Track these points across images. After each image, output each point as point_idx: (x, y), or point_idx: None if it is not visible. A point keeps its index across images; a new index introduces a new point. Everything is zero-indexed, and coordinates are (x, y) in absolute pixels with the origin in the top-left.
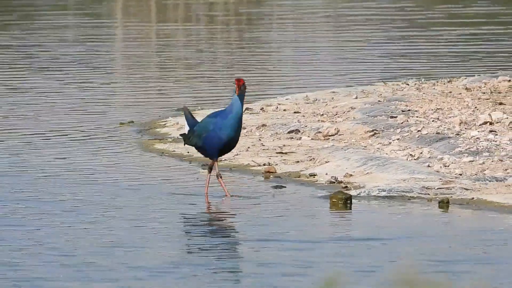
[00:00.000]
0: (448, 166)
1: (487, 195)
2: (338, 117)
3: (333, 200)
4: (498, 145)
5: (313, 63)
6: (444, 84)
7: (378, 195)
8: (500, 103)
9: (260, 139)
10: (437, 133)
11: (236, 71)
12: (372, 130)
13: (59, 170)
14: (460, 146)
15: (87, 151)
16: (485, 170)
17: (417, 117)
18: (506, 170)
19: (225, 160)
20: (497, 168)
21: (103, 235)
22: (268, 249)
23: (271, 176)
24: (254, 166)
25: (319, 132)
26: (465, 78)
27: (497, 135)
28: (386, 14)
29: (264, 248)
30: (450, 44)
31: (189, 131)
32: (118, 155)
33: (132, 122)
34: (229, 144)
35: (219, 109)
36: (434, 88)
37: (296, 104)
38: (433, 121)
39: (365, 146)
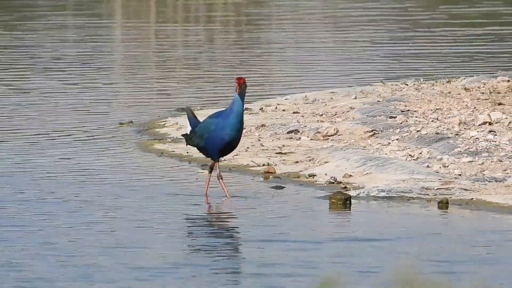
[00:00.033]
0: (447, 166)
1: (487, 195)
2: (337, 117)
3: (333, 200)
4: (497, 145)
5: (312, 64)
6: (443, 84)
7: (377, 195)
8: (499, 103)
9: (259, 139)
10: (436, 133)
11: (235, 71)
12: (371, 130)
13: (60, 170)
14: (460, 147)
15: (86, 151)
16: (484, 170)
17: (416, 117)
18: (505, 170)
19: (224, 160)
20: (497, 169)
21: (104, 236)
22: (268, 250)
23: (270, 176)
24: (253, 166)
25: (318, 132)
26: (464, 79)
27: (496, 135)
28: (385, 14)
29: (264, 249)
30: (450, 44)
31: (191, 131)
32: (118, 155)
33: (132, 122)
34: (231, 144)
35: (220, 110)
36: (433, 89)
37: (295, 104)
38: (432, 121)
39: (364, 147)
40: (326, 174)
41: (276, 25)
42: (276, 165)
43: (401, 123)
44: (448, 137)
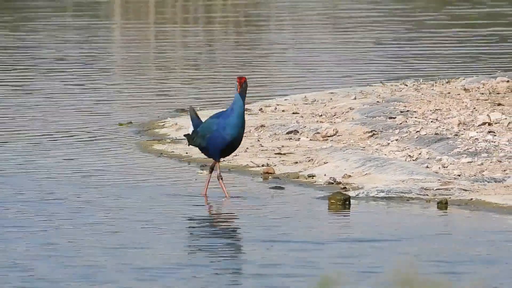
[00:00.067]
0: (446, 167)
1: (486, 196)
2: (337, 117)
3: (332, 201)
4: (496, 146)
5: (311, 64)
6: (442, 84)
7: (376, 196)
8: (499, 104)
9: (258, 140)
10: (436, 134)
11: (235, 72)
12: (371, 131)
13: (60, 171)
14: (459, 147)
15: (86, 152)
16: (483, 171)
17: (415, 117)
18: (504, 171)
19: (224, 160)
20: (496, 169)
21: (105, 236)
22: (269, 250)
23: (269, 177)
24: (252, 167)
25: (318, 132)
26: (464, 79)
27: (495, 136)
28: (385, 15)
29: (264, 249)
30: (449, 45)
31: (193, 131)
32: (117, 156)
33: (131, 123)
34: (233, 144)
35: (221, 110)
36: (432, 89)
37: (294, 104)
38: (431, 121)
39: (364, 147)
40: (325, 175)
41: (275, 25)
42: (275, 165)
43: (400, 123)
44: (448, 138)
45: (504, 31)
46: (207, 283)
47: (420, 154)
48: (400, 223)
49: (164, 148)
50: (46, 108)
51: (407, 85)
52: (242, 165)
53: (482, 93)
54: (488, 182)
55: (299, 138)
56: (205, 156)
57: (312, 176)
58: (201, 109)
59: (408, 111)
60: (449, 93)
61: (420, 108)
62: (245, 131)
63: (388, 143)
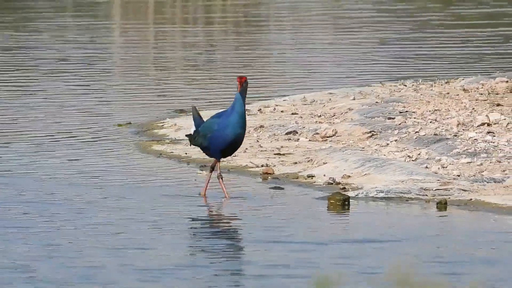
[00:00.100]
0: (446, 167)
1: (485, 196)
2: (336, 118)
3: (331, 201)
4: (496, 146)
5: (310, 65)
6: (441, 85)
7: (376, 196)
8: (498, 104)
9: (258, 140)
10: (435, 134)
11: (234, 73)
12: (370, 131)
13: (60, 172)
14: (458, 147)
15: (85, 153)
16: (483, 171)
17: (414, 118)
18: (504, 171)
19: (223, 161)
20: (495, 169)
21: (106, 237)
22: (270, 251)
23: (269, 177)
24: (252, 167)
25: (317, 133)
26: (463, 79)
27: (494, 136)
28: (384, 16)
29: (265, 250)
30: (449, 45)
31: (194, 131)
32: (117, 156)
33: (130, 123)
34: (234, 143)
35: (221, 110)
36: (431, 89)
37: (293, 105)
38: (430, 122)
39: (363, 148)
40: (324, 175)
41: (275, 26)
42: (274, 166)
43: (399, 124)
44: (447, 138)
45: (505, 31)
46: (208, 284)
47: (419, 154)
48: (400, 224)
49: (163, 149)
50: (47, 109)
51: (406, 86)
52: (242, 166)
53: (481, 94)
54: (488, 182)
55: (298, 139)
56: (205, 157)
57: (312, 176)
58: (200, 110)
59: (407, 111)
60: (448, 93)
61: (419, 109)
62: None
63: (387, 144)
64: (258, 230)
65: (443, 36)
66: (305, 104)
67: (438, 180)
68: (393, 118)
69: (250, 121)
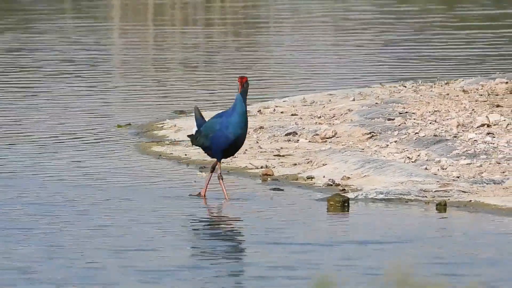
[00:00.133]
0: (445, 168)
1: (485, 197)
2: (336, 119)
3: (331, 202)
4: (495, 147)
5: (310, 66)
6: (441, 86)
7: (375, 197)
8: (498, 105)
9: (257, 142)
10: (435, 135)
11: (233, 74)
12: (370, 133)
13: (60, 173)
14: (458, 149)
15: (84, 154)
16: (482, 172)
17: (414, 119)
18: (503, 172)
19: (222, 162)
20: (495, 171)
21: (106, 238)
22: (270, 252)
23: (268, 178)
24: (251, 168)
25: (317, 134)
26: (462, 80)
27: (494, 137)
28: (384, 17)
29: (264, 251)
30: (449, 46)
31: (196, 131)
32: (116, 158)
33: (130, 124)
34: (236, 143)
35: (222, 110)
36: (431, 90)
37: (293, 106)
38: (430, 123)
39: (363, 149)
40: (324, 176)
41: (273, 27)
42: (274, 167)
43: (399, 125)
44: (447, 139)
45: (507, 33)
46: (209, 285)
47: (419, 155)
48: (399, 225)
49: (163, 150)
50: (48, 110)
51: (405, 87)
52: (241, 167)
53: (481, 95)
54: (487, 183)
55: (298, 140)
56: (204, 158)
57: (311, 177)
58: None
59: (407, 112)
60: (448, 94)
61: (418, 110)
62: None
63: (387, 145)
64: (258, 231)
65: (444, 37)
66: (305, 105)
67: (438, 181)
68: (393, 119)
69: (250, 122)
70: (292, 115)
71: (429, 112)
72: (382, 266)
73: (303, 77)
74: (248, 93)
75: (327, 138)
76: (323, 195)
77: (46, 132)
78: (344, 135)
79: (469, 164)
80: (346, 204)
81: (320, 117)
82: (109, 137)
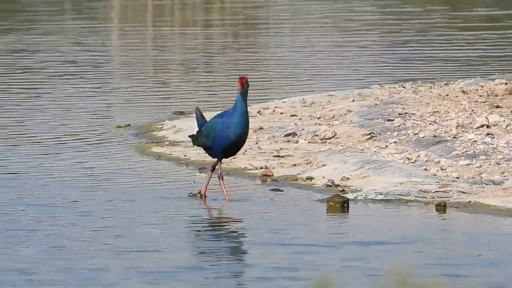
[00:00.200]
0: (445, 169)
1: (484, 198)
2: (335, 120)
3: (330, 203)
4: (495, 148)
5: (310, 66)
6: (440, 87)
7: (375, 198)
8: (497, 106)
9: (257, 142)
10: (434, 136)
11: (233, 75)
12: (369, 133)
13: (59, 174)
14: (457, 149)
15: (84, 155)
16: (482, 173)
17: (414, 120)
18: (503, 173)
19: (222, 163)
20: (494, 171)
21: (107, 239)
22: (270, 253)
23: (268, 179)
24: (251, 169)
25: (316, 135)
26: (462, 81)
27: (494, 138)
28: (383, 18)
29: (265, 252)
30: (448, 47)
31: (197, 131)
32: (116, 159)
33: (129, 125)
34: (237, 143)
35: (223, 110)
36: (430, 91)
37: (293, 107)
38: (430, 124)
39: (362, 149)
40: (324, 177)
41: (273, 28)
42: (274, 168)
43: (399, 126)
44: (446, 140)
45: (509, 33)
46: (210, 286)
47: (418, 156)
48: (399, 226)
49: (162, 151)
50: (51, 111)
51: (405, 87)
52: (241, 168)
53: (481, 95)
54: (487, 184)
55: (298, 141)
56: (204, 159)
57: (311, 178)
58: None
59: (406, 113)
60: (447, 95)
61: (418, 111)
62: None
63: (387, 146)
64: (258, 232)
65: (447, 39)
66: (304, 106)
67: (437, 182)
68: (392, 120)
69: (250, 123)
70: (291, 116)
71: (429, 113)
72: (382, 267)
73: (303, 78)
74: (248, 94)
75: (327, 139)
76: (322, 195)
77: (48, 133)
78: (344, 136)
79: (469, 164)
80: (346, 205)
81: (319, 118)
82: (109, 138)
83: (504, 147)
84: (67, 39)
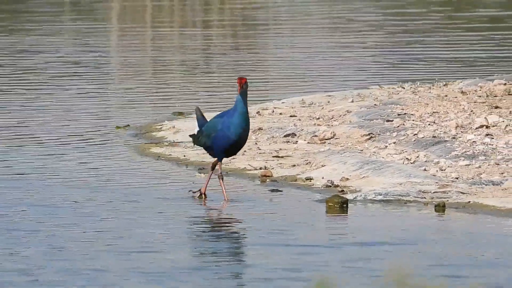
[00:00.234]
0: (444, 169)
1: (484, 198)
2: (334, 120)
3: (330, 204)
4: (494, 148)
5: (309, 67)
6: (440, 87)
7: (374, 199)
8: (496, 107)
9: (256, 143)
10: (433, 136)
11: (232, 75)
12: (368, 134)
13: (58, 174)
14: (456, 150)
15: (83, 155)
16: (481, 173)
17: (413, 120)
18: (502, 173)
19: (221, 163)
20: (494, 172)
21: (107, 240)
22: (270, 254)
23: (267, 180)
24: (250, 170)
25: (315, 135)
26: (461, 82)
27: (493, 138)
28: (383, 19)
29: (265, 253)
30: (448, 48)
31: (198, 131)
32: (115, 159)
33: (128, 126)
34: (237, 143)
35: (223, 111)
36: (430, 92)
37: (292, 107)
38: (429, 124)
39: (361, 150)
40: (323, 178)
41: (272, 28)
42: (273, 168)
43: (398, 126)
44: (445, 141)
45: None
46: (211, 287)
47: (417, 157)
48: (398, 226)
49: (161, 151)
50: (52, 112)
51: (404, 88)
52: (240, 168)
53: (480, 96)
54: (486, 185)
55: (297, 141)
56: (203, 159)
57: (310, 179)
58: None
59: (405, 114)
60: (446, 96)
61: (417, 111)
62: None
63: (386, 146)
64: (258, 233)
65: (448, 39)
66: (304, 107)
67: (437, 182)
68: (392, 121)
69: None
70: (291, 116)
71: (428, 113)
72: (382, 267)
73: (302, 78)
74: (248, 95)
75: (326, 139)
76: (322, 196)
77: (49, 134)
78: (343, 136)
79: (468, 165)
80: (345, 205)
81: (319, 118)
82: (109, 139)
83: (503, 147)
84: (68, 40)
